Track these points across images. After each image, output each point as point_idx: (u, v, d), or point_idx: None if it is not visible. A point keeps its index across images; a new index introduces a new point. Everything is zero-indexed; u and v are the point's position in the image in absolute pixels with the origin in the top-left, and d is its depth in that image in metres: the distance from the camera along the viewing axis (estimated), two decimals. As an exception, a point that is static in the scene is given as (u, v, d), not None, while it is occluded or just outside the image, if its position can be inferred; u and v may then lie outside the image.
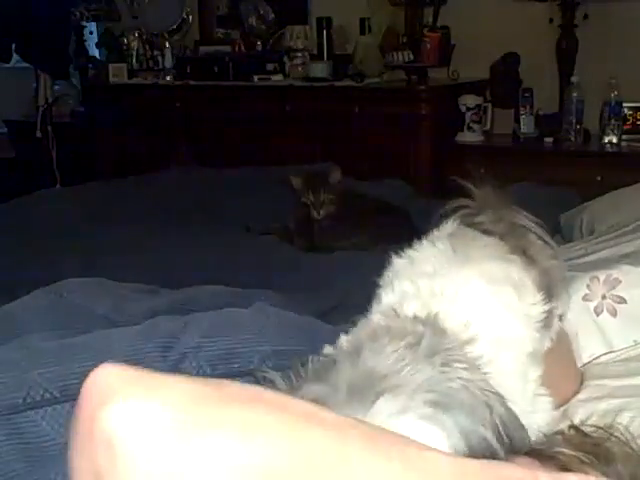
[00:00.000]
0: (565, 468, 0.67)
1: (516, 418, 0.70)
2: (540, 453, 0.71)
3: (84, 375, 0.80)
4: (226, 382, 0.56)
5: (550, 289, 0.96)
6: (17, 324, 0.96)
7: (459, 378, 0.68)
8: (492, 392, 0.69)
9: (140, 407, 0.51)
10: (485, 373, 0.72)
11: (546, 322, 0.91)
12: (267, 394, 0.56)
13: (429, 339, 0.71)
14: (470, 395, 0.67)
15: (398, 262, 0.96)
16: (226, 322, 0.94)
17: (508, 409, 0.69)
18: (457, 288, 0.84)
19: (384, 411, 0.65)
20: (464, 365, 0.70)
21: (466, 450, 0.65)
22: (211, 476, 0.49)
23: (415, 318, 0.78)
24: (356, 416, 0.62)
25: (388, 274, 0.96)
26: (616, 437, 0.72)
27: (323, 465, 0.51)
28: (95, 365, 0.80)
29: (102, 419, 0.51)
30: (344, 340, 0.76)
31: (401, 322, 0.77)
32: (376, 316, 0.83)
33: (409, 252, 0.98)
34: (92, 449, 0.51)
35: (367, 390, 0.66)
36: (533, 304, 0.89)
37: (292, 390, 0.68)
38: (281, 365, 0.89)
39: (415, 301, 0.83)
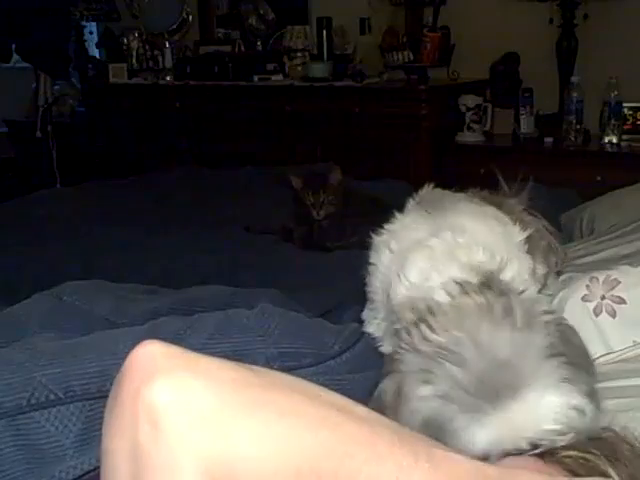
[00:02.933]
0: (571, 470, 0.67)
1: None
2: (543, 454, 0.71)
3: (88, 376, 0.81)
4: (266, 370, 0.58)
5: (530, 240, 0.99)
6: (18, 327, 0.96)
7: (558, 325, 0.71)
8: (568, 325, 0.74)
9: (186, 384, 0.51)
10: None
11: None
12: (304, 384, 0.57)
13: (518, 307, 0.73)
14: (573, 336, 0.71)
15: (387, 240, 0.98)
16: (231, 323, 0.93)
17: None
18: (466, 231, 0.87)
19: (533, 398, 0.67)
20: (549, 314, 0.72)
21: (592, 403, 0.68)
22: (251, 457, 0.50)
23: (482, 285, 0.78)
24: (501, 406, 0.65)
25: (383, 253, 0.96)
26: (619, 438, 0.72)
27: (355, 455, 0.52)
28: (99, 366, 0.81)
29: (147, 395, 0.50)
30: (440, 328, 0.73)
31: (475, 297, 0.77)
32: (440, 294, 0.80)
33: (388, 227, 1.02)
34: (134, 426, 0.51)
35: (504, 385, 0.67)
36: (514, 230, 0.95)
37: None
38: (286, 367, 0.89)
39: (452, 264, 0.83)
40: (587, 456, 0.68)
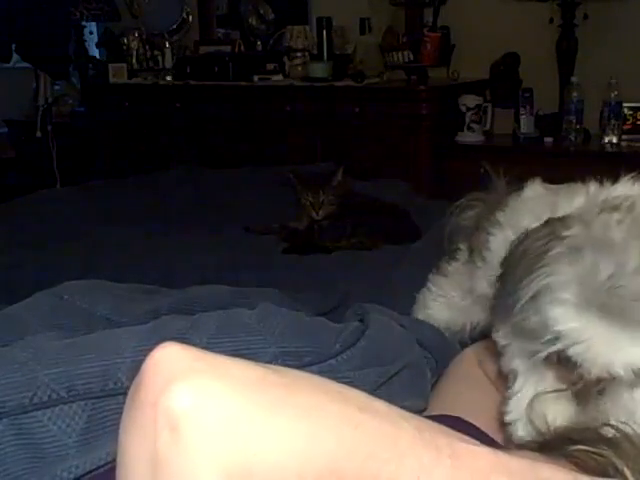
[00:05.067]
0: (582, 466, 0.67)
1: None
2: (551, 449, 0.71)
3: (91, 375, 0.81)
4: (288, 369, 0.57)
5: None
6: (19, 326, 0.96)
7: None
8: None
9: (206, 388, 0.50)
10: None
11: None
12: (324, 382, 0.57)
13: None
14: None
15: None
16: (233, 322, 0.93)
17: None
18: None
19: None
20: None
21: None
22: (272, 460, 0.49)
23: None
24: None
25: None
26: (622, 434, 0.72)
27: (377, 455, 0.52)
28: (102, 365, 0.81)
29: (167, 400, 0.50)
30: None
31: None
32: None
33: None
34: (153, 432, 0.50)
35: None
36: None
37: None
38: (288, 365, 0.89)
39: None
40: (599, 451, 0.68)
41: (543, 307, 0.72)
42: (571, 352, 0.72)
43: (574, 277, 0.71)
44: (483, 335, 1.17)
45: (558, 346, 0.72)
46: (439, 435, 0.56)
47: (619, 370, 0.70)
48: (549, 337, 0.72)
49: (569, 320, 0.71)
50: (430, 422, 0.58)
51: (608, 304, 0.69)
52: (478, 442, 0.58)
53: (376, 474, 0.51)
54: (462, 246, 1.21)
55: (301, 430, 0.50)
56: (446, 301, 1.25)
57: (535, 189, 1.01)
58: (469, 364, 1.11)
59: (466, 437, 0.58)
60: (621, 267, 0.69)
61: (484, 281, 1.04)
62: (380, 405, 0.56)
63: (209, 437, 0.49)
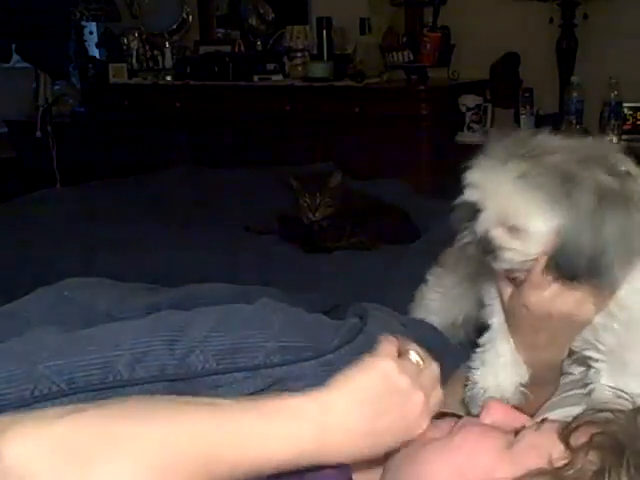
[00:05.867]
0: (599, 447, 0.68)
1: None
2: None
3: (91, 368, 0.82)
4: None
5: None
6: (20, 322, 0.97)
7: None
8: None
9: (34, 440, 0.56)
10: None
11: None
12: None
13: None
14: None
15: None
16: (232, 317, 0.94)
17: None
18: None
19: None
20: None
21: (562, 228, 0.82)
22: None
23: None
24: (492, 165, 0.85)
25: None
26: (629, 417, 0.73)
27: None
28: (102, 358, 0.82)
29: (4, 453, 0.55)
30: None
31: None
32: None
33: None
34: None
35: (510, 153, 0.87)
36: None
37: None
38: (286, 361, 0.89)
39: None
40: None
41: None
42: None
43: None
44: (478, 332, 1.17)
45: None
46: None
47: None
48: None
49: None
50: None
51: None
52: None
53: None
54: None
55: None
56: (442, 290, 1.27)
57: None
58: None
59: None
60: None
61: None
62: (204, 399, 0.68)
63: (59, 470, 0.56)
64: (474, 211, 0.87)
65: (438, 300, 1.28)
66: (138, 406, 0.63)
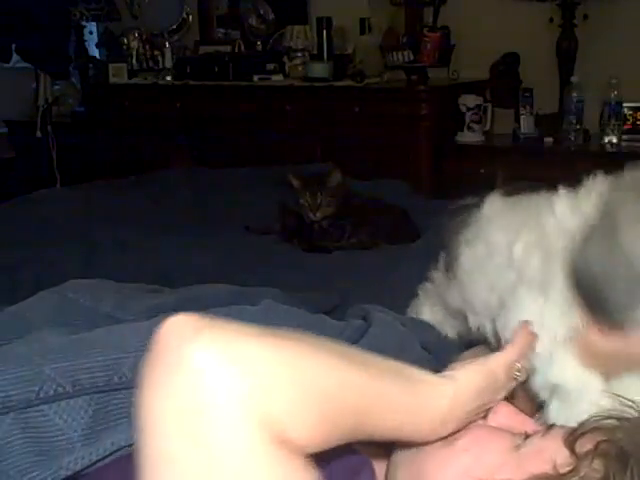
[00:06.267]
0: (604, 455, 0.68)
1: None
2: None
3: (96, 369, 0.82)
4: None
5: None
6: (24, 324, 0.97)
7: None
8: None
9: (227, 342, 0.56)
10: None
11: None
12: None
13: None
14: None
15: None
16: (238, 318, 0.94)
17: None
18: None
19: None
20: None
21: None
22: (294, 398, 0.57)
23: None
24: None
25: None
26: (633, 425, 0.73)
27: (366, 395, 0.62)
28: (107, 360, 0.82)
29: (192, 354, 0.55)
30: None
31: None
32: None
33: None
34: (181, 384, 0.55)
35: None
36: None
37: None
38: None
39: None
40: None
41: None
42: None
43: None
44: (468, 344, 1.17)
45: None
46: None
47: None
48: None
49: None
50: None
51: None
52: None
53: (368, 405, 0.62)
54: (442, 255, 1.19)
55: (309, 363, 0.59)
56: (430, 307, 1.25)
57: (493, 205, 1.02)
58: None
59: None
60: None
61: (457, 296, 1.06)
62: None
63: (237, 382, 0.54)
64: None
65: (430, 314, 1.26)
66: (316, 346, 0.63)
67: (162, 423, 0.55)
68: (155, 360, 0.57)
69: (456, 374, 0.72)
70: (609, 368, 0.85)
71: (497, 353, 0.78)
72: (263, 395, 0.55)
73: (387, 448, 0.81)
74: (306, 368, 0.59)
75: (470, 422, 0.75)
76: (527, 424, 0.78)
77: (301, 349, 0.60)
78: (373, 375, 0.64)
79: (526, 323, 0.82)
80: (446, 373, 0.72)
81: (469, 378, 0.73)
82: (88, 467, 0.78)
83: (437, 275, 1.20)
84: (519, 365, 0.78)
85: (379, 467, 0.82)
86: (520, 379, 0.79)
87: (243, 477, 0.54)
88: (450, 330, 1.19)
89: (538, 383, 0.86)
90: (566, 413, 0.83)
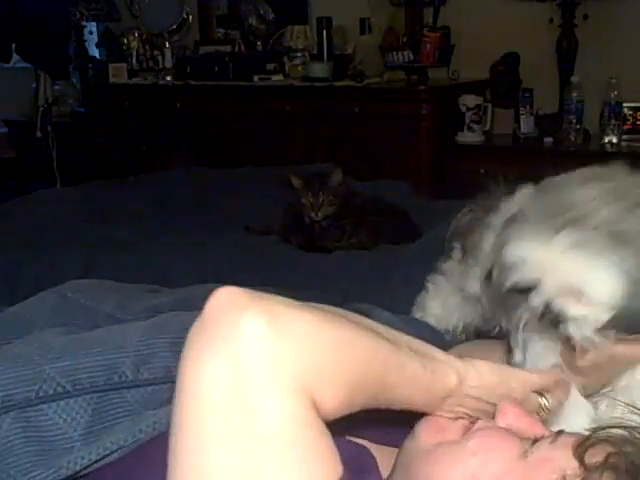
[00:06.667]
0: (615, 467, 0.68)
1: None
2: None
3: (96, 369, 0.82)
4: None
5: None
6: (24, 324, 0.97)
7: None
8: None
9: (274, 307, 0.60)
10: None
11: None
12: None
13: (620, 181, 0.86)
14: None
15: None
16: None
17: None
18: None
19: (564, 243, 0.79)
20: None
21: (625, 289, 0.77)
22: (339, 370, 0.61)
23: None
24: (541, 240, 0.80)
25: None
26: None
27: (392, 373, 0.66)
28: (107, 359, 0.83)
29: (246, 321, 0.58)
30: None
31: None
32: None
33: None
34: (234, 350, 0.57)
35: (553, 219, 0.80)
36: None
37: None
38: None
39: None
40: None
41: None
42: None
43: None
44: (477, 335, 1.18)
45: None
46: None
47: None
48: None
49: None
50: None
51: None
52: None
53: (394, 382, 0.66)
54: (457, 245, 1.24)
55: (356, 337, 0.64)
56: (442, 298, 1.27)
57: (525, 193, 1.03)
58: None
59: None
60: None
61: (476, 281, 1.07)
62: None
63: (285, 351, 0.58)
64: (526, 289, 0.84)
65: (437, 307, 1.28)
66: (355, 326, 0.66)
67: (210, 387, 0.57)
68: (207, 326, 0.59)
69: (473, 360, 0.75)
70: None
71: (522, 370, 0.82)
72: (306, 359, 0.58)
73: (385, 434, 0.83)
74: (343, 338, 0.62)
75: (476, 419, 0.76)
76: (535, 427, 0.76)
77: (339, 321, 0.64)
78: (396, 348, 0.67)
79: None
80: (465, 358, 0.76)
81: (484, 369, 0.75)
82: (88, 466, 0.78)
83: (449, 266, 1.23)
84: (546, 402, 0.80)
85: (379, 454, 0.82)
86: (543, 416, 0.80)
87: (282, 439, 0.56)
88: (468, 317, 1.22)
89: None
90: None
